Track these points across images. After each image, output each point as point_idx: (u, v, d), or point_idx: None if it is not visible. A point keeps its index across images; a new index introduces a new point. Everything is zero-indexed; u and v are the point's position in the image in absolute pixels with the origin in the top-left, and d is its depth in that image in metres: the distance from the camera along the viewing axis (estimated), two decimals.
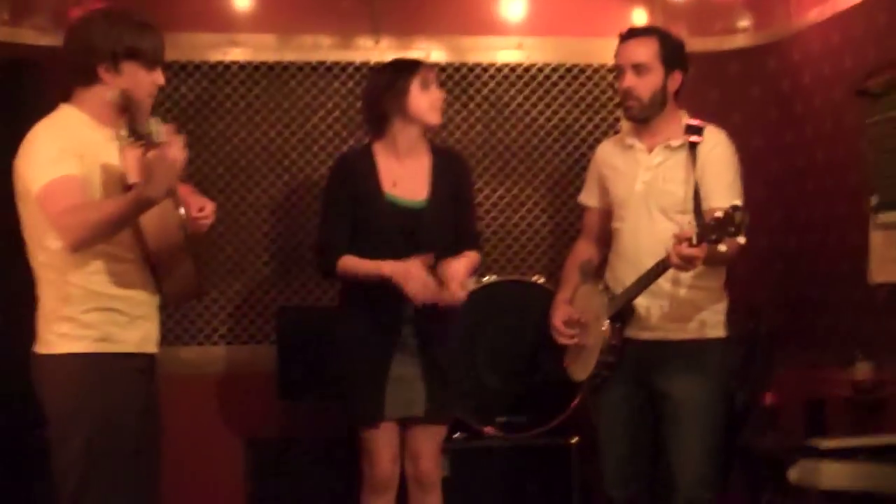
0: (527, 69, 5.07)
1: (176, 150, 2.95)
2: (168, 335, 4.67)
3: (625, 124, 4.27)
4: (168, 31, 4.52)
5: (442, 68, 4.88)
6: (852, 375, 4.00)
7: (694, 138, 3.87)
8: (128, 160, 3.13)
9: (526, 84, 5.07)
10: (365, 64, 4.97)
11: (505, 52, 5.04)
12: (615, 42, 3.99)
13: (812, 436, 3.76)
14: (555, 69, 5.07)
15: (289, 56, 4.96)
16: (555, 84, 5.08)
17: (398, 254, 3.93)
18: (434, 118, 4.04)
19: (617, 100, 4.20)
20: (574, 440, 4.60)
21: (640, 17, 4.94)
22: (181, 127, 3.06)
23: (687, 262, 3.50)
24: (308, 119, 4.99)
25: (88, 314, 3.18)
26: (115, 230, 3.10)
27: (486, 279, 4.66)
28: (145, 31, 3.27)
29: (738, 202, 3.68)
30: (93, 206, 3.10)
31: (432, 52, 4.96)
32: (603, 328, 3.85)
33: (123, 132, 3.23)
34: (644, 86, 3.89)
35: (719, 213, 3.41)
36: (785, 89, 4.85)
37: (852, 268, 4.26)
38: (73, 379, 3.17)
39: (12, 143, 3.24)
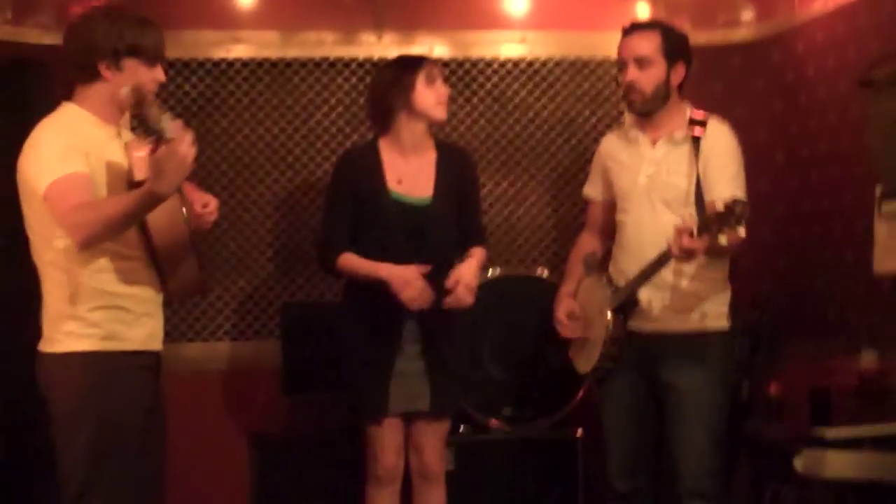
0: (530, 63, 5.06)
1: (186, 145, 2.95)
2: (172, 332, 4.69)
3: (628, 117, 4.26)
4: (171, 29, 4.56)
5: (445, 63, 4.87)
6: (858, 365, 3.99)
7: (697, 131, 3.88)
8: (134, 157, 3.14)
9: (529, 78, 5.07)
10: (368, 60, 4.97)
11: (508, 47, 5.03)
12: (618, 36, 4.01)
13: (817, 425, 3.74)
14: (558, 63, 5.07)
15: (292, 52, 4.95)
16: (558, 78, 5.07)
17: (402, 251, 3.95)
18: (440, 113, 4.05)
19: (620, 93, 4.19)
20: (579, 433, 4.60)
21: (643, 11, 4.94)
22: (185, 124, 3.05)
23: (688, 254, 3.51)
24: (311, 115, 4.99)
25: (94, 312, 3.19)
26: (124, 227, 3.11)
27: (490, 273, 4.65)
28: (146, 27, 3.28)
29: (740, 194, 3.69)
30: (101, 203, 3.11)
31: (435, 47, 4.96)
32: (606, 321, 3.85)
33: (124, 132, 3.25)
34: (647, 79, 3.90)
35: (720, 206, 3.42)
36: (789, 81, 4.84)
37: (857, 258, 4.25)
38: (79, 377, 3.18)
39: (16, 142, 3.26)
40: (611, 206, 4.10)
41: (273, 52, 4.95)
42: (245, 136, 4.97)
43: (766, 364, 4.39)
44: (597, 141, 4.40)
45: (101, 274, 3.20)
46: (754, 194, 3.95)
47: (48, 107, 3.32)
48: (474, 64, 5.04)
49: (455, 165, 4.12)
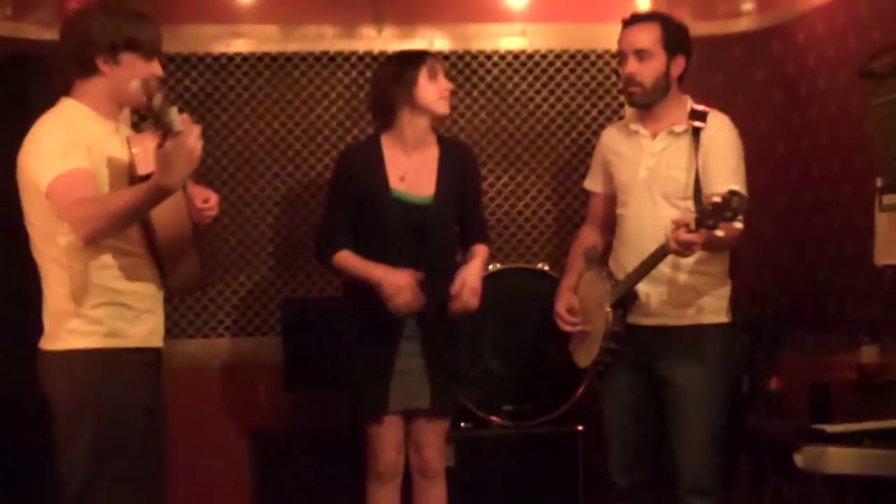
0: (530, 56, 5.04)
1: (194, 139, 2.94)
2: (173, 328, 4.69)
3: (629, 110, 4.25)
4: (171, 24, 4.58)
5: (445, 56, 4.87)
6: (858, 359, 3.97)
7: (697, 124, 3.86)
8: (137, 151, 3.13)
9: (529, 71, 5.05)
10: (368, 53, 4.96)
11: (508, 40, 5.02)
12: (619, 28, 4.00)
13: (818, 420, 3.74)
14: (558, 55, 5.05)
15: (292, 47, 4.94)
16: (558, 70, 5.06)
17: (403, 249, 3.96)
18: (442, 108, 4.04)
19: (620, 86, 4.17)
20: (580, 428, 4.59)
21: (643, 2, 4.91)
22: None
23: (685, 248, 3.50)
24: (312, 109, 4.98)
25: (97, 309, 3.19)
26: (130, 221, 3.10)
27: (490, 267, 4.65)
28: (143, 21, 3.27)
29: (740, 187, 3.68)
30: (106, 198, 3.11)
31: (435, 40, 4.96)
32: (605, 315, 3.85)
33: (122, 127, 3.24)
34: (647, 71, 3.89)
35: (717, 199, 3.41)
36: (789, 72, 4.82)
37: (858, 250, 4.24)
38: (81, 375, 3.17)
39: (16, 138, 3.24)
40: (612, 200, 4.09)
41: (273, 47, 4.94)
42: (245, 131, 4.96)
43: (766, 359, 4.38)
44: (597, 134, 4.40)
45: (104, 271, 3.19)
46: (754, 186, 3.95)
47: (48, 103, 3.31)
48: (474, 57, 5.02)
49: (457, 162, 4.11)
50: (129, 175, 3.19)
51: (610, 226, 4.11)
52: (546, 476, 4.59)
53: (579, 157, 5.02)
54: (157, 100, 2.96)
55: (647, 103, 3.93)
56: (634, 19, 3.99)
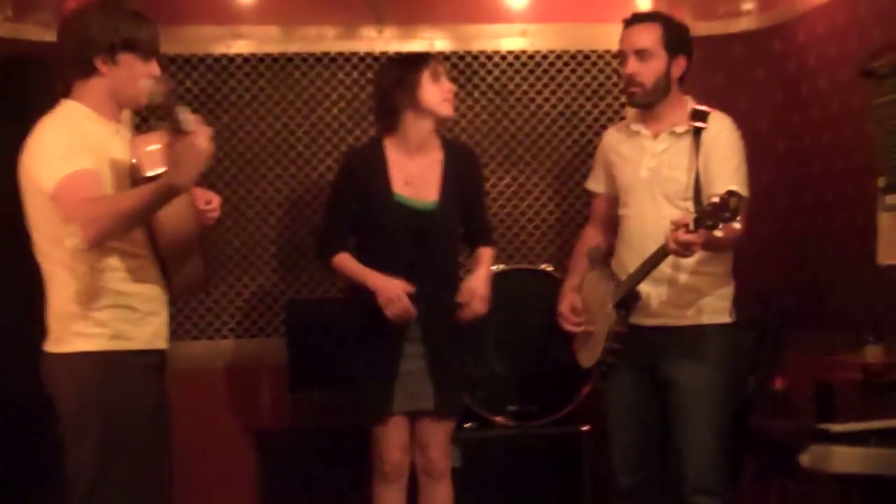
0: (531, 56, 5.05)
1: (204, 139, 2.94)
2: (177, 329, 4.69)
3: (630, 110, 4.26)
4: (172, 25, 4.58)
5: (446, 57, 4.88)
6: (863, 358, 3.97)
7: (699, 124, 3.86)
8: (143, 151, 3.12)
9: (530, 71, 5.06)
10: (369, 54, 4.96)
11: (509, 40, 5.03)
12: (619, 28, 4.00)
13: (823, 420, 3.74)
14: (559, 56, 5.06)
15: (293, 48, 4.95)
16: (559, 71, 5.07)
17: (405, 254, 3.98)
18: (446, 110, 4.05)
19: (622, 86, 4.18)
20: (585, 428, 4.60)
21: (643, 2, 4.92)
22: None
23: (684, 248, 3.50)
24: (313, 110, 4.98)
25: (102, 311, 3.18)
26: (137, 222, 3.10)
27: (493, 268, 4.63)
28: (141, 22, 3.27)
29: (740, 188, 3.68)
30: (114, 198, 3.10)
31: (436, 41, 4.96)
32: (608, 315, 3.85)
33: (122, 128, 3.23)
34: (647, 71, 3.90)
35: (715, 199, 3.42)
36: (790, 71, 4.83)
37: (860, 250, 4.24)
38: (87, 377, 3.17)
39: (17, 139, 3.23)
40: (614, 200, 4.09)
41: (274, 48, 4.94)
42: (247, 133, 4.96)
43: (770, 359, 4.38)
44: (598, 134, 4.40)
45: (109, 273, 3.18)
46: (756, 186, 3.95)
47: (49, 104, 3.29)
48: (475, 57, 5.03)
49: (461, 165, 4.12)
50: (131, 176, 3.19)
51: (613, 226, 4.11)
52: (551, 476, 4.60)
53: (581, 157, 5.03)
54: (170, 99, 2.96)
55: (648, 103, 3.93)
56: (635, 19, 3.99)
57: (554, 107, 5.06)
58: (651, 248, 3.73)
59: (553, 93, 5.06)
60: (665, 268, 3.79)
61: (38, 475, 4.23)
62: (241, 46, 4.92)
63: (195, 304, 4.87)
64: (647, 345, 3.87)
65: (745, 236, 3.68)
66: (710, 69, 4.78)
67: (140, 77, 3.23)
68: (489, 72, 5.04)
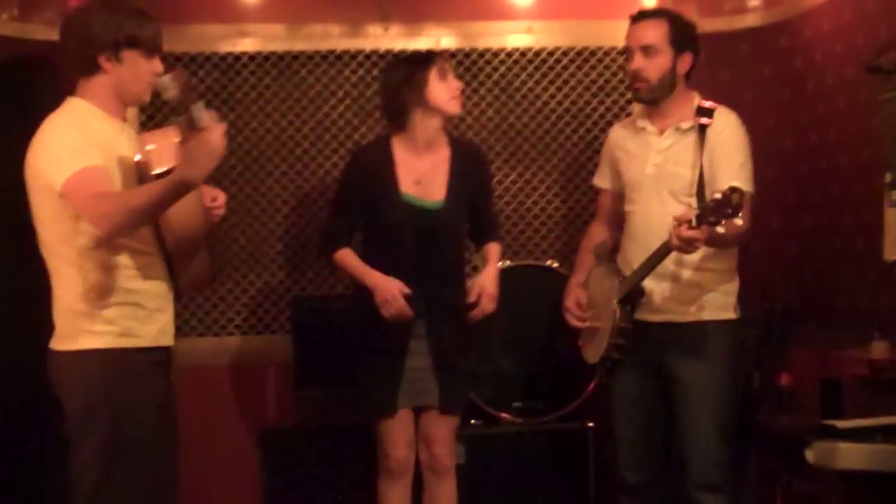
0: (537, 53, 5.04)
1: (219, 135, 2.94)
2: (183, 326, 4.70)
3: (636, 106, 4.26)
4: (178, 23, 4.59)
5: (452, 54, 4.87)
6: (869, 354, 3.97)
7: (704, 121, 3.86)
8: (153, 148, 3.12)
9: (536, 68, 5.05)
10: (375, 52, 4.96)
11: (515, 37, 5.02)
12: (625, 24, 4.00)
13: (828, 416, 3.74)
14: (565, 53, 5.05)
15: (298, 45, 4.95)
16: (565, 68, 5.06)
17: (412, 252, 3.99)
18: (454, 108, 4.06)
19: (628, 82, 4.17)
20: (591, 424, 4.60)
21: None
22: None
23: (687, 245, 3.50)
24: (319, 108, 4.98)
25: (109, 309, 3.18)
26: (150, 217, 3.11)
27: (500, 264, 4.65)
28: (144, 19, 3.27)
29: (745, 184, 3.68)
30: (126, 193, 3.11)
31: (442, 38, 4.96)
32: (613, 311, 3.85)
33: (126, 126, 3.23)
34: (653, 67, 3.90)
35: (717, 196, 3.42)
36: (797, 68, 4.82)
37: (867, 246, 4.23)
38: (95, 375, 3.17)
39: (24, 138, 3.23)
40: (620, 196, 4.10)
41: (279, 46, 4.94)
42: (253, 130, 4.96)
43: (776, 355, 4.38)
44: (604, 131, 4.40)
45: (116, 270, 3.18)
46: (763, 182, 3.95)
47: (54, 103, 3.29)
48: (481, 55, 5.02)
49: (469, 163, 4.12)
50: (137, 174, 3.19)
51: (619, 222, 4.11)
52: (556, 472, 4.60)
53: (587, 154, 5.02)
54: (186, 94, 2.96)
55: (653, 99, 3.94)
56: (643, 15, 4.00)
57: (560, 104, 5.05)
58: (656, 244, 3.73)
59: (559, 89, 5.05)
60: (669, 264, 3.79)
61: (43, 473, 4.23)
62: (246, 44, 4.93)
63: (201, 300, 4.87)
64: (652, 341, 3.87)
65: (751, 232, 3.68)
66: (715, 66, 4.78)
67: (144, 74, 3.24)
68: (495, 69, 5.04)
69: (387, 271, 3.95)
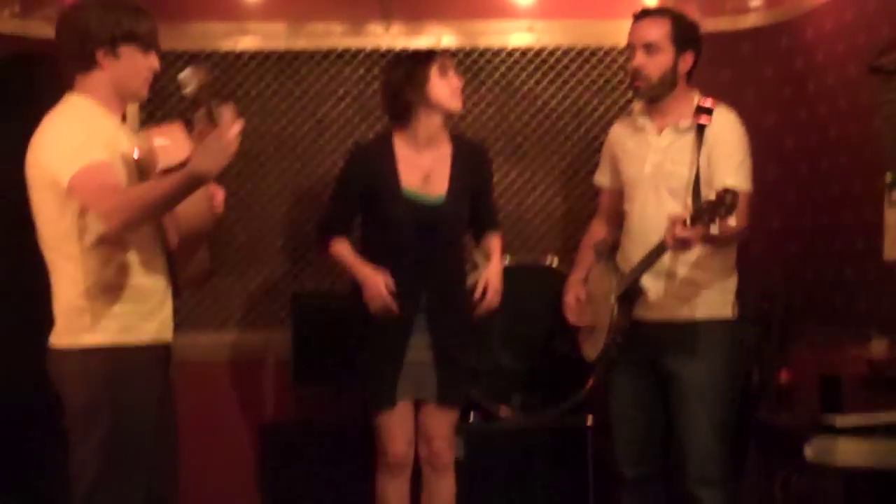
0: (538, 52, 5.04)
1: (234, 132, 2.93)
2: (182, 322, 4.65)
3: (637, 105, 4.26)
4: (178, 21, 4.60)
5: (453, 53, 4.86)
6: (868, 353, 3.98)
7: (703, 119, 3.86)
8: (162, 144, 3.12)
9: (537, 67, 5.05)
10: (376, 50, 4.96)
11: (516, 36, 5.02)
12: (627, 24, 4.01)
13: (828, 413, 3.75)
14: (566, 52, 5.05)
15: (300, 44, 4.95)
16: (566, 67, 5.06)
17: (413, 247, 4.00)
18: (456, 104, 4.07)
19: (629, 80, 4.18)
20: (589, 420, 4.59)
21: None
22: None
23: (682, 244, 3.51)
24: (320, 106, 4.99)
25: (110, 306, 3.17)
26: (161, 212, 3.10)
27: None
28: (140, 14, 3.27)
29: (743, 183, 3.68)
30: (137, 188, 3.10)
31: (443, 37, 4.96)
32: (610, 308, 3.85)
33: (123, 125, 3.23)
34: (654, 65, 3.90)
35: (711, 196, 3.42)
36: (798, 68, 4.82)
37: (867, 245, 4.23)
38: (96, 372, 3.16)
39: (24, 135, 3.23)
40: (621, 195, 4.11)
41: (280, 44, 4.95)
42: (253, 128, 4.94)
43: (776, 352, 4.38)
44: (605, 130, 4.40)
45: (119, 267, 3.17)
46: (763, 182, 3.96)
47: (55, 101, 3.28)
48: (482, 54, 5.02)
49: (470, 160, 4.13)
50: (138, 170, 3.19)
51: (619, 220, 4.12)
52: (555, 468, 4.59)
53: (588, 152, 5.02)
54: (206, 89, 2.97)
55: (653, 97, 3.95)
56: (645, 13, 4.01)
57: (561, 103, 5.05)
58: (654, 242, 3.73)
59: (560, 89, 5.05)
60: (667, 262, 3.80)
61: (43, 471, 4.23)
62: (247, 43, 4.93)
63: (201, 295, 4.87)
64: (649, 339, 3.88)
65: (749, 231, 3.68)
66: (717, 65, 4.77)
67: (141, 70, 3.24)
68: (496, 68, 5.03)
69: (388, 266, 3.96)
